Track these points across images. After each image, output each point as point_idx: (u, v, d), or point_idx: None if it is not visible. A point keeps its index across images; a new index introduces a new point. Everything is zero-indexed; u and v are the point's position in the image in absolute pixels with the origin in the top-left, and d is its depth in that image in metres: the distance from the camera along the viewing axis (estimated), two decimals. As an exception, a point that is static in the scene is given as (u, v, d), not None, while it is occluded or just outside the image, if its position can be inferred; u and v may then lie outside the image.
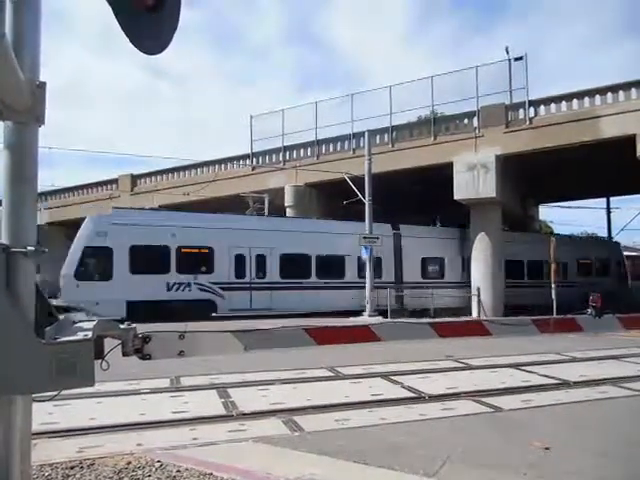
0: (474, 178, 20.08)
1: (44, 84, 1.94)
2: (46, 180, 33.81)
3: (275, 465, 3.82)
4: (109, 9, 2.07)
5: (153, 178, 31.13)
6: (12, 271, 1.85)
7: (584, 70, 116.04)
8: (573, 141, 18.57)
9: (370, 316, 18.77)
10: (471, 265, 21.56)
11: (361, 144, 22.63)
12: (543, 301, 18.87)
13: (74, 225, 33.46)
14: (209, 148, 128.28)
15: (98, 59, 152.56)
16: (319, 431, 4.76)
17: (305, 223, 21.24)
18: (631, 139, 17.27)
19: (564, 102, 19.26)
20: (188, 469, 3.69)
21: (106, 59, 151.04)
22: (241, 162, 27.16)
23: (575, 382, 6.99)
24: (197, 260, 18.54)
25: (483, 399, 5.98)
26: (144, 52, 2.21)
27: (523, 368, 8.07)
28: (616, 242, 33.07)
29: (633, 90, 17.91)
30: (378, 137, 22.81)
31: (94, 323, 2.35)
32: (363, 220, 20.08)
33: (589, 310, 8.11)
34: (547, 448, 4.28)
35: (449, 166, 20.70)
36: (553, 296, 17.97)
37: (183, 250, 18.20)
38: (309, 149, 25.12)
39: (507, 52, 20.53)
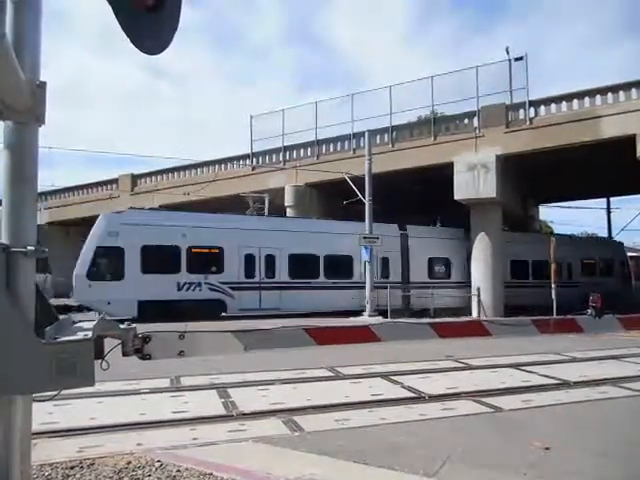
0: (474, 178, 20.09)
1: (44, 84, 1.94)
2: (46, 180, 33.84)
3: (275, 465, 3.82)
4: (109, 9, 2.07)
5: (153, 178, 31.14)
6: (12, 271, 1.85)
7: (584, 70, 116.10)
8: (573, 141, 18.57)
9: (370, 316, 18.77)
10: (471, 265, 21.59)
11: (361, 144, 22.63)
12: (549, 300, 18.88)
13: (74, 225, 33.61)
14: (209, 148, 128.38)
15: (98, 59, 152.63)
16: (319, 431, 4.76)
17: (313, 223, 21.32)
18: (631, 139, 17.27)
19: (564, 102, 19.26)
20: (188, 469, 3.69)
21: (106, 59, 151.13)
22: (241, 162, 27.16)
23: (575, 382, 6.99)
24: (207, 260, 18.68)
25: (483, 399, 5.98)
26: (144, 52, 2.21)
27: (523, 368, 8.07)
28: (620, 242, 33.09)
29: (633, 90, 17.91)
30: (378, 137, 22.82)
31: (94, 323, 2.35)
32: (364, 220, 20.09)
33: (589, 310, 8.10)
34: (547, 448, 4.28)
35: (449, 166, 20.70)
36: (553, 296, 17.97)
37: (194, 250, 18.33)
38: (309, 149, 25.12)
39: (507, 52, 20.55)
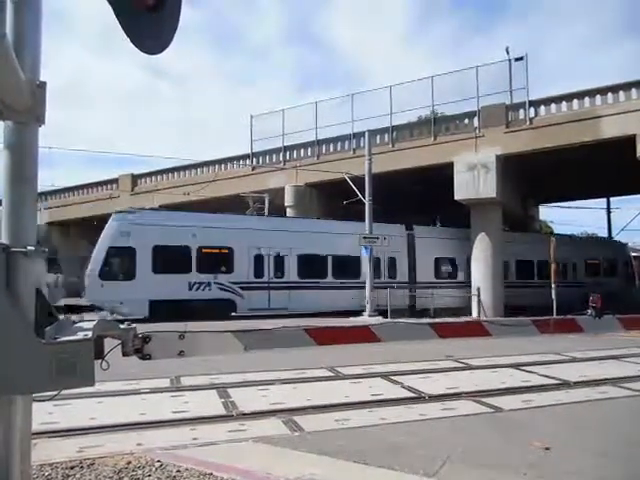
0: (474, 178, 20.09)
1: (44, 84, 1.94)
2: (46, 180, 33.81)
3: (275, 465, 3.82)
4: (109, 9, 2.07)
5: (153, 178, 31.14)
6: (12, 271, 1.85)
7: (584, 70, 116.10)
8: (573, 141, 18.58)
9: (370, 316, 18.78)
10: (471, 265, 21.61)
11: (361, 144, 22.63)
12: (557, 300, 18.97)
13: (74, 225, 33.61)
14: (209, 148, 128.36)
15: (98, 59, 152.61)
16: (319, 431, 4.76)
17: (321, 224, 21.38)
18: (631, 139, 17.28)
19: (564, 102, 19.27)
20: (188, 469, 3.69)
21: (106, 59, 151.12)
22: (241, 162, 27.16)
23: (575, 382, 6.99)
24: (217, 260, 18.81)
25: (483, 399, 5.98)
26: (145, 52, 2.21)
27: (523, 368, 8.07)
28: (623, 243, 33.21)
29: (633, 90, 17.91)
30: (378, 137, 22.82)
31: (94, 323, 2.35)
32: (363, 220, 20.11)
33: (589, 311, 8.09)
34: (547, 448, 4.28)
35: (449, 166, 20.70)
36: (553, 296, 17.96)
37: (204, 250, 18.47)
38: (309, 149, 25.12)
39: (507, 52, 20.56)
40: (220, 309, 17.80)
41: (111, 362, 2.46)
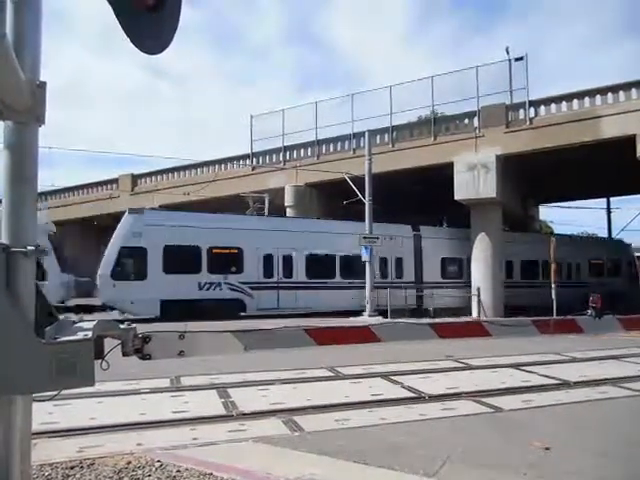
0: (474, 178, 20.09)
1: (44, 84, 1.94)
2: (46, 180, 33.79)
3: (275, 465, 3.82)
4: (110, 9, 2.07)
5: (153, 178, 31.15)
6: (12, 271, 1.85)
7: (584, 70, 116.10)
8: (573, 141, 18.58)
9: (370, 316, 18.78)
10: (471, 265, 21.64)
11: (361, 144, 22.64)
12: (558, 300, 19.05)
13: (75, 225, 33.60)
14: (209, 148, 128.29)
15: (98, 59, 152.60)
16: (319, 431, 4.75)
17: (329, 224, 21.44)
18: (631, 139, 17.28)
19: (564, 102, 19.28)
20: (188, 469, 3.69)
21: (106, 59, 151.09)
22: (241, 162, 27.17)
23: (575, 382, 6.98)
24: (227, 260, 18.98)
25: (483, 399, 5.97)
26: (145, 52, 2.21)
27: (523, 368, 8.06)
28: (627, 243, 33.31)
29: (633, 90, 17.92)
30: (378, 137, 22.83)
31: (94, 323, 2.35)
32: (363, 220, 20.13)
33: (589, 311, 8.10)
34: (547, 448, 4.28)
35: (449, 166, 20.71)
36: (553, 296, 17.96)
37: (214, 251, 18.66)
38: (309, 149, 25.13)
39: (507, 52, 20.58)
40: (230, 309, 18.04)
41: (111, 362, 2.46)
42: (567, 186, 28.61)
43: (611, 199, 36.43)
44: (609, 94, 18.38)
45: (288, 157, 25.69)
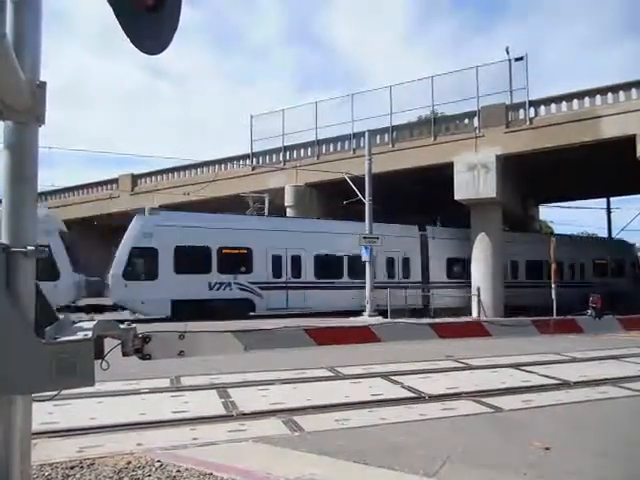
0: (474, 178, 20.10)
1: (44, 84, 1.94)
2: (46, 180, 33.81)
3: (275, 465, 3.82)
4: (110, 9, 2.07)
5: (153, 178, 31.15)
6: (12, 271, 1.85)
7: (584, 70, 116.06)
8: (573, 141, 18.58)
9: (370, 316, 18.79)
10: (471, 265, 21.67)
11: (361, 144, 22.64)
12: (563, 300, 19.16)
13: (75, 224, 33.62)
14: (209, 148, 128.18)
15: (98, 59, 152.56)
16: (319, 431, 4.75)
17: (337, 225, 21.50)
18: (631, 139, 17.28)
19: (564, 102, 19.28)
20: (188, 469, 3.69)
21: (106, 59, 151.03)
22: (241, 162, 27.17)
23: (575, 382, 6.98)
24: (237, 260, 19.16)
25: (483, 399, 5.97)
26: (145, 52, 2.21)
27: (523, 368, 8.06)
28: (630, 243, 33.44)
29: (633, 90, 17.92)
30: (378, 137, 22.83)
31: (94, 323, 2.35)
32: (363, 220, 20.14)
33: (589, 311, 8.09)
34: (547, 448, 4.28)
35: (449, 166, 20.71)
36: (553, 296, 17.97)
37: (224, 251, 18.83)
38: (309, 149, 25.13)
39: (507, 52, 20.59)
40: (239, 309, 18.23)
41: (111, 362, 2.46)
42: (567, 186, 28.62)
43: (611, 199, 36.46)
44: (609, 94, 18.38)
45: (288, 157, 25.69)
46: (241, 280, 18.95)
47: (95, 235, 32.13)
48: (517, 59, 20.24)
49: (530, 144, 19.44)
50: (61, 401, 5.15)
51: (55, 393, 2.01)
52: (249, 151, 26.77)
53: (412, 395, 6.24)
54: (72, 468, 3.70)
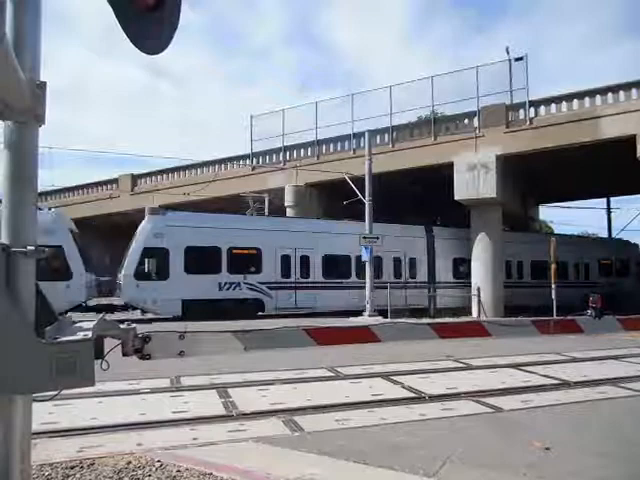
0: (474, 178, 20.10)
1: (44, 84, 1.94)
2: (46, 180, 33.84)
3: (275, 465, 3.82)
4: (110, 9, 2.07)
5: (153, 178, 31.15)
6: (12, 271, 1.85)
7: (584, 70, 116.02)
8: (573, 141, 18.58)
9: (370, 316, 18.80)
10: (471, 265, 21.68)
11: (361, 144, 22.64)
12: (568, 300, 19.27)
13: (74, 224, 33.60)
14: (209, 148, 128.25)
15: (99, 59, 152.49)
16: (319, 431, 4.76)
17: (345, 225, 21.56)
18: (631, 139, 17.27)
19: (564, 102, 19.27)
20: (188, 469, 3.69)
21: (107, 59, 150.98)
22: (241, 162, 27.17)
23: (575, 382, 6.99)
24: (246, 261, 19.33)
25: (483, 399, 5.98)
26: (145, 52, 2.21)
27: (523, 368, 8.07)
28: (635, 243, 33.55)
29: (633, 90, 17.91)
30: (378, 137, 22.83)
31: (94, 323, 2.35)
32: (363, 220, 20.15)
33: (589, 311, 8.09)
34: (547, 448, 4.28)
35: (449, 166, 20.71)
36: (553, 296, 17.97)
37: (234, 251, 18.99)
38: (309, 149, 25.12)
39: (507, 52, 20.60)
40: (249, 309, 18.47)
41: (111, 362, 2.46)
42: (567, 186, 28.62)
43: (611, 199, 36.47)
44: (609, 94, 18.37)
45: (288, 157, 25.69)
46: (250, 280, 19.12)
47: (95, 235, 32.13)
48: (517, 59, 20.25)
49: (530, 144, 19.44)
50: (61, 401, 5.15)
51: (55, 393, 2.01)
52: (249, 151, 26.77)
53: (412, 395, 6.24)
54: (72, 468, 3.70)
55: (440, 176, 21.01)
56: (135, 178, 31.66)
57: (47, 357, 1.84)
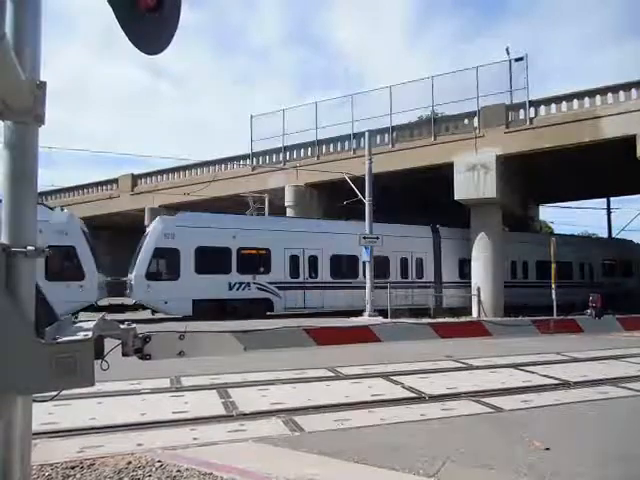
0: (474, 178, 20.10)
1: (44, 84, 1.94)
2: (46, 180, 33.86)
3: (275, 465, 3.82)
4: (110, 9, 2.07)
5: (153, 178, 31.15)
6: (12, 271, 1.85)
7: (584, 70, 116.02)
8: (573, 141, 18.58)
9: (370, 316, 18.80)
10: (471, 265, 21.70)
11: (361, 144, 22.65)
12: (571, 299, 19.42)
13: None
14: (209, 148, 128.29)
15: (99, 59, 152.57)
16: (319, 431, 4.75)
17: (352, 226, 21.62)
18: (631, 139, 17.28)
19: (564, 102, 19.28)
20: (188, 469, 3.68)
21: (107, 59, 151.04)
22: (241, 162, 27.17)
23: (575, 382, 6.98)
24: (256, 261, 19.52)
25: (483, 399, 5.98)
26: (145, 52, 2.22)
27: (523, 368, 8.07)
28: (638, 243, 33.66)
29: (633, 90, 17.92)
30: (378, 137, 22.84)
31: (94, 323, 2.35)
32: (363, 220, 20.15)
33: (589, 311, 8.09)
34: (547, 448, 4.28)
35: (449, 166, 20.71)
36: (553, 296, 17.97)
37: (243, 251, 19.18)
38: (309, 149, 25.13)
39: (507, 52, 20.63)
40: (258, 308, 18.64)
41: (111, 362, 2.46)
42: (567, 186, 28.63)
43: (611, 199, 36.48)
44: (609, 94, 18.38)
45: (288, 157, 25.69)
46: (260, 280, 19.31)
47: (95, 235, 32.10)
48: (517, 59, 20.27)
49: (530, 144, 19.44)
50: (61, 401, 5.14)
51: (55, 393, 2.01)
52: (249, 151, 26.77)
53: (412, 395, 6.24)
54: (72, 468, 3.70)
55: (441, 176, 21.01)
56: (135, 178, 31.66)
57: (47, 357, 1.84)
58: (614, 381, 7.07)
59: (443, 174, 20.86)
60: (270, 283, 19.47)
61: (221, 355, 3.84)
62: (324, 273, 20.57)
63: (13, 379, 1.81)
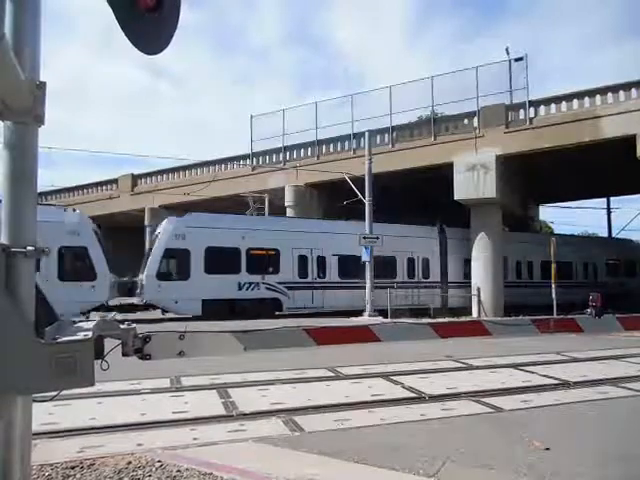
0: (474, 178, 20.11)
1: (44, 84, 1.94)
2: (46, 180, 33.87)
3: (275, 465, 3.82)
4: (109, 9, 2.07)
5: (153, 178, 31.16)
6: (12, 271, 1.85)
7: (585, 70, 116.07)
8: (573, 141, 18.59)
9: (370, 316, 18.81)
10: (471, 265, 21.72)
11: (361, 144, 22.66)
12: (575, 298, 19.46)
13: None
14: (209, 148, 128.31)
15: (99, 59, 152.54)
16: (319, 431, 4.75)
17: (359, 226, 21.57)
18: (631, 139, 17.28)
19: (564, 102, 19.29)
20: (188, 469, 3.68)
21: (107, 59, 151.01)
22: (241, 162, 27.18)
23: (575, 382, 6.98)
24: (265, 261, 19.67)
25: (483, 399, 5.97)
26: (144, 52, 2.22)
27: (523, 368, 8.06)
28: None
29: (633, 90, 17.92)
30: (378, 137, 22.85)
31: (94, 323, 2.35)
32: (363, 220, 20.16)
33: (589, 310, 8.09)
34: (547, 448, 4.28)
35: (449, 166, 20.71)
36: (553, 295, 17.97)
37: (252, 252, 19.33)
38: (309, 149, 25.14)
39: (507, 52, 20.64)
40: (267, 308, 18.80)
41: (111, 362, 2.46)
42: (567, 186, 28.64)
43: (611, 199, 36.48)
44: (609, 94, 18.39)
45: (288, 157, 25.70)
46: (269, 280, 19.44)
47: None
48: (517, 59, 20.29)
49: (530, 144, 19.45)
50: (61, 401, 5.14)
51: (55, 393, 2.01)
52: (249, 151, 26.78)
53: (412, 395, 6.24)
54: (72, 468, 3.70)
55: (440, 176, 21.02)
56: (135, 178, 31.67)
57: (47, 357, 1.84)
58: (614, 381, 7.07)
59: (443, 174, 20.86)
60: (279, 283, 19.62)
61: (221, 355, 3.84)
62: (332, 273, 20.74)
63: (13, 379, 1.81)
